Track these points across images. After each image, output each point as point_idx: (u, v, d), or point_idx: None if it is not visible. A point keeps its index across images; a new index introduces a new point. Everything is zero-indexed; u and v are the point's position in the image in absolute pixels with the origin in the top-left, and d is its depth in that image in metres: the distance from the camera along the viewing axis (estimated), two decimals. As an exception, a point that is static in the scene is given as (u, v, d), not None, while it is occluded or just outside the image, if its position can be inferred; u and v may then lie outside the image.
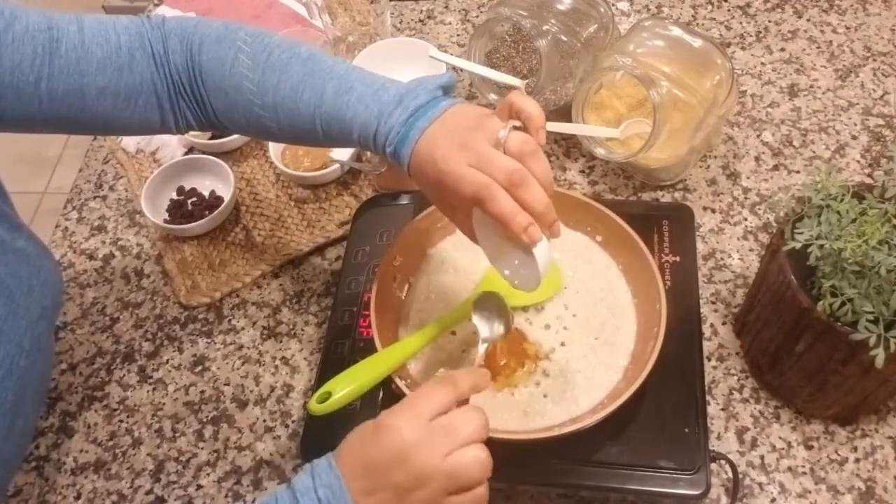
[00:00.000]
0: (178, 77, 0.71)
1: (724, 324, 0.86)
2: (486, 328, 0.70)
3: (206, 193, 1.00)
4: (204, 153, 1.04)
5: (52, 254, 0.77)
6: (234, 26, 0.73)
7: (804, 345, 0.70)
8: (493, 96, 1.00)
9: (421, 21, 1.21)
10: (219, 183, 1.01)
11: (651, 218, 0.87)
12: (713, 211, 0.95)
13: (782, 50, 1.12)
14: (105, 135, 0.73)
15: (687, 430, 0.72)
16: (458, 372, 0.63)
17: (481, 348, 0.69)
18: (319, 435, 0.75)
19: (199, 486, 0.80)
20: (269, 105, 0.70)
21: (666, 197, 0.97)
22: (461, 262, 0.83)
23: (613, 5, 1.18)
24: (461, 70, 1.09)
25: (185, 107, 0.73)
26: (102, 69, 0.68)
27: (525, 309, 0.79)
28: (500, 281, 0.75)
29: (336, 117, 0.67)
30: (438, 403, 0.58)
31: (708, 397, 0.79)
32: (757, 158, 1.00)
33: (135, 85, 0.70)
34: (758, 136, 1.02)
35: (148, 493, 0.80)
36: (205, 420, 0.84)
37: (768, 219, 0.94)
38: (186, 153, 1.06)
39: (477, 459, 0.56)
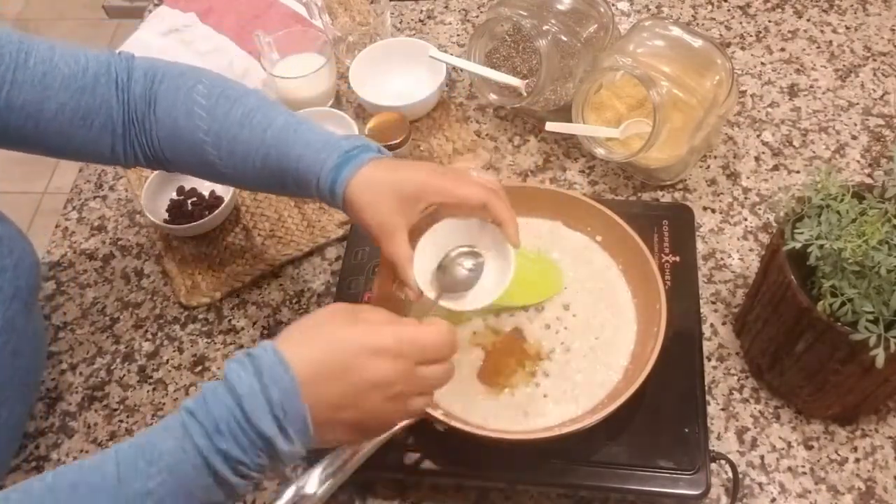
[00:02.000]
0: (135, 105, 0.73)
1: (724, 324, 0.86)
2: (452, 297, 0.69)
3: (206, 193, 1.00)
4: (204, 153, 1.04)
5: (29, 237, 0.78)
6: (200, 69, 0.77)
7: (804, 345, 0.70)
8: (493, 96, 1.00)
9: (421, 21, 1.21)
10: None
11: (651, 218, 0.87)
12: (713, 211, 0.95)
13: (782, 50, 1.12)
14: (54, 156, 0.74)
15: (687, 430, 0.72)
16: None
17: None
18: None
19: (199, 486, 0.79)
20: (215, 131, 0.72)
21: (666, 197, 0.97)
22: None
23: (613, 5, 1.18)
24: (461, 70, 1.09)
25: (135, 136, 0.75)
26: (66, 86, 0.70)
27: (525, 309, 0.79)
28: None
29: (283, 141, 0.70)
30: (426, 353, 0.58)
31: (708, 397, 0.79)
32: (757, 158, 1.00)
33: (94, 106, 0.72)
34: (758, 136, 1.02)
35: (148, 493, 0.80)
36: (205, 420, 0.84)
37: (768, 219, 0.94)
38: (186, 153, 1.06)
39: (427, 400, 0.60)
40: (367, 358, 0.55)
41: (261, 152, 0.71)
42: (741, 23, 1.16)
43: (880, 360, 0.62)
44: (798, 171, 0.98)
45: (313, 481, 0.64)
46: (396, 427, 0.64)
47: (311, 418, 0.53)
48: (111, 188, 1.06)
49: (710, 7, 1.18)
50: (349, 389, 0.55)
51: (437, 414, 0.69)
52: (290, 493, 0.64)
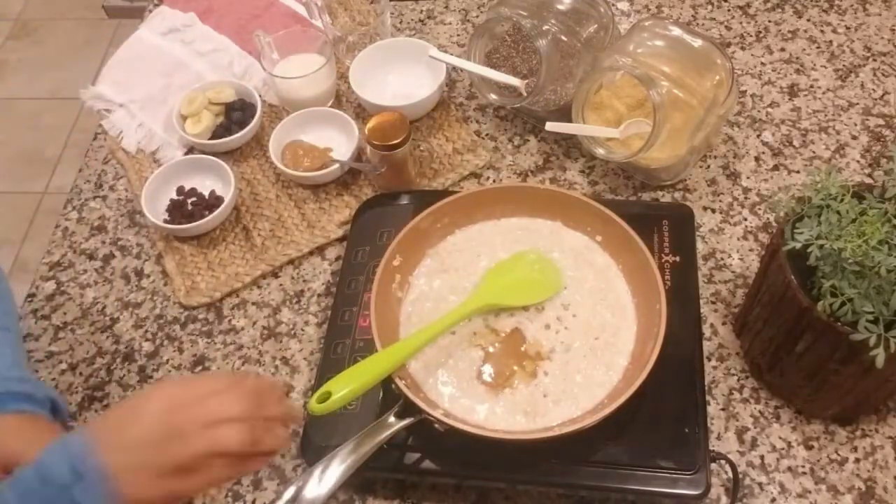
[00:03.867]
0: None
1: (724, 324, 0.86)
2: None
3: (206, 193, 1.00)
4: (204, 153, 1.04)
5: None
6: None
7: (804, 345, 0.70)
8: (493, 96, 1.00)
9: (421, 21, 1.21)
10: (219, 183, 1.01)
11: (651, 218, 0.87)
12: (713, 211, 0.95)
13: (782, 50, 1.12)
14: None
15: (687, 430, 0.72)
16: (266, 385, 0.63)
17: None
18: (319, 435, 0.75)
19: (199, 486, 0.79)
20: None
21: (666, 197, 0.97)
22: (460, 262, 0.83)
23: (613, 5, 1.18)
24: (461, 70, 1.09)
25: None
26: None
27: (525, 309, 0.79)
28: (498, 283, 0.75)
29: None
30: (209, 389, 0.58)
31: (708, 397, 0.79)
32: (757, 158, 1.00)
33: None
34: (758, 136, 1.02)
35: (148, 493, 0.80)
36: (205, 420, 0.84)
37: (768, 219, 0.94)
38: (187, 153, 1.06)
39: (238, 430, 0.56)
40: (152, 389, 0.58)
41: None
42: (741, 23, 1.16)
43: (880, 360, 0.62)
44: (798, 171, 0.98)
45: (314, 481, 0.65)
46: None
47: (106, 456, 0.54)
48: (111, 188, 1.06)
49: (710, 7, 1.18)
50: (130, 405, 0.57)
51: (437, 414, 0.69)
52: (289, 493, 0.64)
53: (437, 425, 0.69)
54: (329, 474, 0.66)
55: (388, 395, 0.74)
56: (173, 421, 0.55)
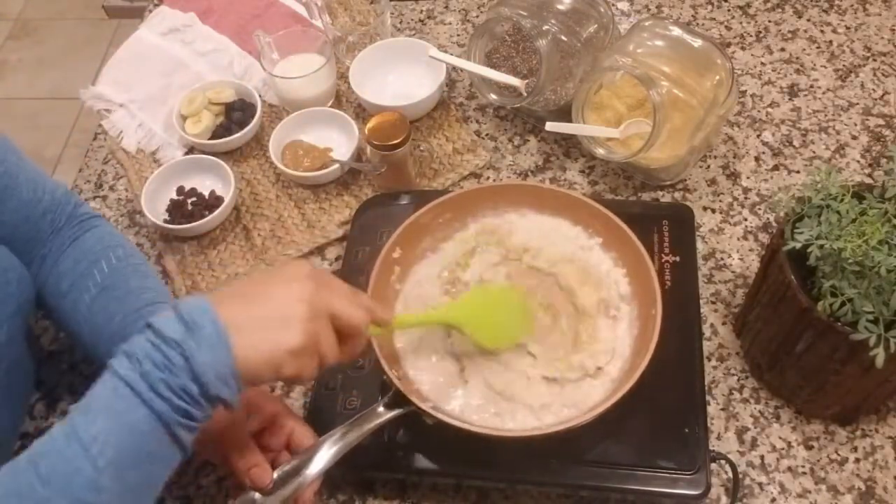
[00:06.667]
0: (60, 242, 0.79)
1: (724, 324, 0.86)
2: None
3: (206, 193, 1.00)
4: (204, 153, 1.04)
5: None
6: (127, 242, 0.83)
7: (804, 345, 0.70)
8: (493, 96, 1.00)
9: (421, 21, 1.21)
10: (219, 183, 1.01)
11: (651, 218, 0.87)
12: (713, 211, 0.95)
13: (782, 50, 1.12)
14: None
15: (687, 430, 0.72)
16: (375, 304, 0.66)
17: None
18: (320, 435, 0.75)
19: (199, 486, 0.79)
20: (105, 285, 0.75)
21: (666, 197, 0.97)
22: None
23: (613, 5, 1.18)
24: (461, 70, 1.09)
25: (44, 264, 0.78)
26: (17, 209, 0.75)
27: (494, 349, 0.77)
28: (477, 314, 0.75)
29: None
30: (335, 294, 0.60)
31: (708, 397, 0.79)
32: (757, 158, 1.00)
33: (30, 236, 0.77)
34: (758, 136, 1.02)
35: (148, 493, 0.80)
36: (205, 420, 0.84)
37: (768, 219, 0.94)
38: (187, 153, 1.06)
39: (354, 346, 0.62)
40: (283, 274, 0.59)
41: (130, 318, 0.73)
42: (741, 23, 1.16)
43: (880, 360, 0.62)
44: (798, 171, 0.98)
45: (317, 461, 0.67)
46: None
47: (223, 317, 0.54)
48: (111, 188, 1.06)
49: (710, 7, 1.18)
50: (259, 280, 0.60)
51: (426, 406, 0.69)
52: (275, 474, 0.66)
53: (425, 418, 0.69)
54: (317, 459, 0.66)
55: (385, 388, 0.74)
56: (300, 312, 0.57)
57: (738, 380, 0.82)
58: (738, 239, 0.93)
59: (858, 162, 0.99)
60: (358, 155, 1.01)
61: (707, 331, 0.85)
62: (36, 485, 0.50)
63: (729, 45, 1.13)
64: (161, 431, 0.53)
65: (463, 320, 0.73)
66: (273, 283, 0.59)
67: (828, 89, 1.07)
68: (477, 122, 1.08)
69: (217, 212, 0.96)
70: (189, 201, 1.00)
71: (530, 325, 0.78)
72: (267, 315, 0.56)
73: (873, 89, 1.06)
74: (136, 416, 0.52)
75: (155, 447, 0.53)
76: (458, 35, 1.19)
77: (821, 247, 0.65)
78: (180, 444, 0.54)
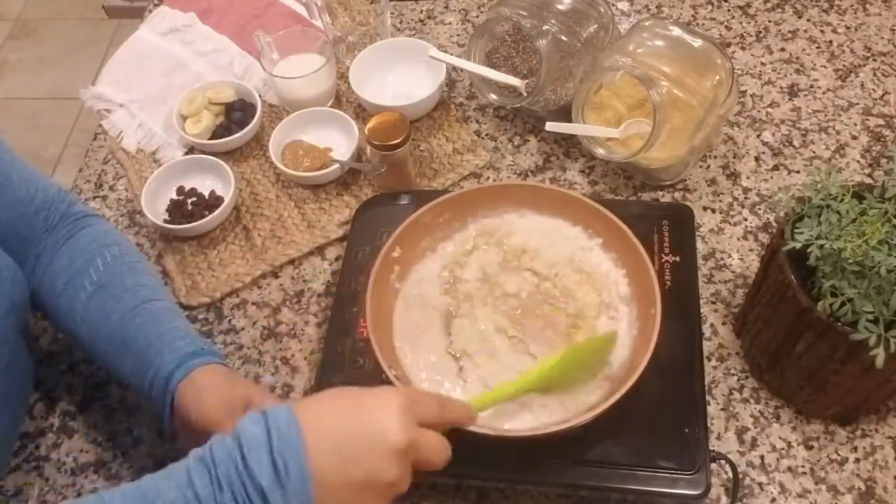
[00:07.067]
0: (53, 241, 0.79)
1: (724, 324, 0.86)
2: None
3: (206, 193, 1.00)
4: (204, 153, 1.04)
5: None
6: (124, 239, 0.83)
7: (804, 345, 0.70)
8: (493, 96, 1.00)
9: (421, 21, 1.21)
10: (219, 183, 1.01)
11: (651, 218, 0.87)
12: (713, 211, 0.95)
13: (782, 50, 1.12)
14: None
15: (687, 430, 0.72)
16: (452, 400, 0.64)
17: None
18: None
19: (199, 486, 0.79)
20: (102, 283, 0.76)
21: (666, 197, 0.97)
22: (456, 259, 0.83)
23: (613, 5, 1.18)
24: (461, 70, 1.09)
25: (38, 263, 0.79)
26: (11, 207, 0.75)
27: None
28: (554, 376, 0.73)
29: (156, 318, 0.75)
30: (425, 417, 0.58)
31: (708, 397, 0.79)
32: (757, 158, 1.00)
33: (24, 234, 0.77)
34: (758, 136, 1.02)
35: (148, 493, 0.80)
36: (205, 420, 0.84)
37: (768, 219, 0.94)
38: (187, 153, 1.06)
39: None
40: (383, 457, 0.54)
41: (127, 316, 0.74)
42: (741, 23, 1.16)
43: (880, 360, 0.62)
44: (798, 171, 0.98)
45: None
46: None
47: (312, 467, 0.52)
48: (111, 188, 1.06)
49: (710, 7, 1.18)
50: (358, 477, 0.53)
51: None
52: None
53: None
54: None
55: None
56: (372, 496, 0.55)
57: (738, 380, 0.82)
58: (738, 239, 0.93)
59: (858, 162, 0.99)
60: (358, 155, 1.01)
61: (707, 331, 0.85)
62: None
63: (729, 45, 1.13)
64: None
65: (545, 386, 0.71)
66: (365, 432, 0.54)
67: (828, 89, 1.07)
68: (477, 122, 1.08)
69: (217, 212, 0.96)
70: (189, 201, 1.00)
71: (601, 365, 0.76)
72: (356, 482, 0.54)
73: (873, 89, 1.06)
74: None
75: None
76: (458, 35, 1.19)
77: (821, 247, 0.65)
78: None
